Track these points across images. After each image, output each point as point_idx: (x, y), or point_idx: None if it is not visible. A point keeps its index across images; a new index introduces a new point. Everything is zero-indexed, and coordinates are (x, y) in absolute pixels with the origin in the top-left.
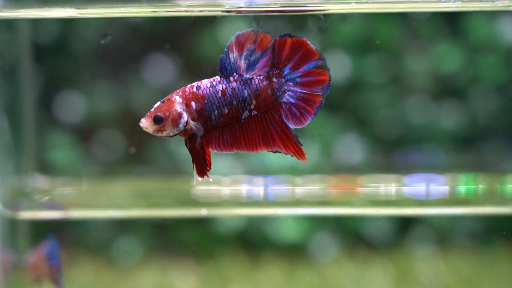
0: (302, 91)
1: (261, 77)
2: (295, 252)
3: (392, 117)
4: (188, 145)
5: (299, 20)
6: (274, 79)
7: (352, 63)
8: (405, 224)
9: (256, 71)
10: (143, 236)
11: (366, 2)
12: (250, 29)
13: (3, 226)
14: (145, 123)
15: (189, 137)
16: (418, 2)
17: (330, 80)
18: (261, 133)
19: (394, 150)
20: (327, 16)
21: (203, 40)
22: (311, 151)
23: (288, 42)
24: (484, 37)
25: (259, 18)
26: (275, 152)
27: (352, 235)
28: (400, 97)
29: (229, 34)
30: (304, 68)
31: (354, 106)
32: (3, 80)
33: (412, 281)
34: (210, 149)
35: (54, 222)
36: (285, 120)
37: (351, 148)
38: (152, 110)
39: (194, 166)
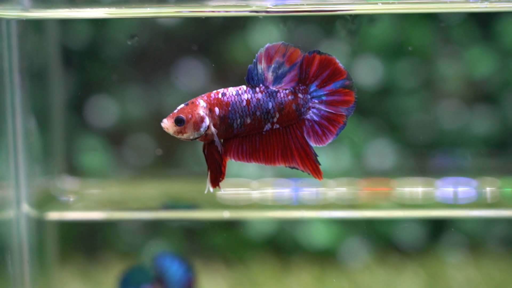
0: (327, 109)
1: (287, 91)
2: (325, 257)
3: (424, 122)
4: (205, 151)
5: (327, 23)
6: (300, 95)
7: (383, 68)
8: (436, 230)
9: (282, 84)
10: (173, 240)
11: (392, 3)
12: (281, 42)
13: (30, 227)
14: (167, 124)
15: (209, 142)
16: (445, 2)
17: (356, 101)
18: (280, 147)
19: (425, 155)
20: (354, 17)
21: (234, 45)
22: (342, 155)
23: (316, 59)
24: None
25: (287, 20)
26: (292, 168)
27: (383, 240)
28: (432, 102)
29: (260, 39)
30: (331, 86)
31: (386, 111)
32: (31, 81)
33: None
34: (228, 158)
35: (82, 224)
36: (306, 137)
37: (382, 152)
38: (175, 111)
39: (209, 174)
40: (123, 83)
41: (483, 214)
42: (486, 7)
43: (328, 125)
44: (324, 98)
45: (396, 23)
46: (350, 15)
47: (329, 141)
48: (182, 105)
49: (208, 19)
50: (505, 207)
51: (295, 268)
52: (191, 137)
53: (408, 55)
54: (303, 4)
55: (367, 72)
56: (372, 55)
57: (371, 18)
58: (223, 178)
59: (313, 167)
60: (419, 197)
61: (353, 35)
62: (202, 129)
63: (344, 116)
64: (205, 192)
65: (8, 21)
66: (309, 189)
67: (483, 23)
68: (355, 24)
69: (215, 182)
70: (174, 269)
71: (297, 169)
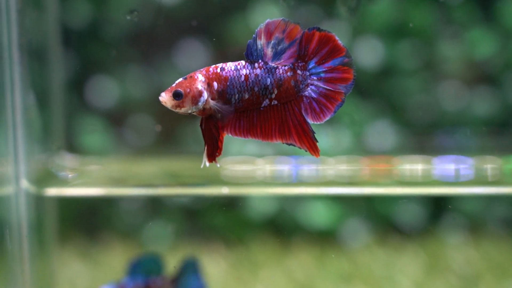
0: (325, 87)
1: (286, 67)
2: (325, 237)
3: (425, 102)
4: (203, 126)
5: (327, 2)
6: (299, 71)
7: (385, 49)
8: (436, 210)
9: (281, 60)
10: (173, 220)
11: None
12: (281, 18)
13: (29, 203)
14: (165, 97)
15: (207, 117)
16: None
17: (354, 79)
18: (278, 124)
19: (426, 135)
20: None
21: (234, 25)
22: (344, 135)
23: (316, 36)
24: None
25: None
26: (289, 144)
27: (383, 220)
28: (433, 82)
29: (261, 20)
30: (330, 63)
31: (387, 92)
32: (30, 58)
33: (443, 268)
34: (225, 133)
35: (80, 200)
36: (304, 114)
37: (383, 133)
38: (173, 85)
39: (206, 148)
40: (123, 62)
41: (483, 191)
42: None
43: (326, 102)
44: (322, 75)
45: (397, 3)
46: None
47: (327, 118)
48: (180, 79)
49: None
50: (506, 185)
51: (295, 248)
52: (189, 111)
53: (409, 36)
54: None
55: (368, 53)
56: (373, 35)
57: None
58: (220, 153)
59: (310, 144)
60: (419, 174)
61: (354, 13)
62: (200, 103)
63: (342, 94)
64: (201, 166)
65: None
66: (310, 167)
67: (484, 4)
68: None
69: (212, 157)
70: (192, 279)
71: (294, 145)
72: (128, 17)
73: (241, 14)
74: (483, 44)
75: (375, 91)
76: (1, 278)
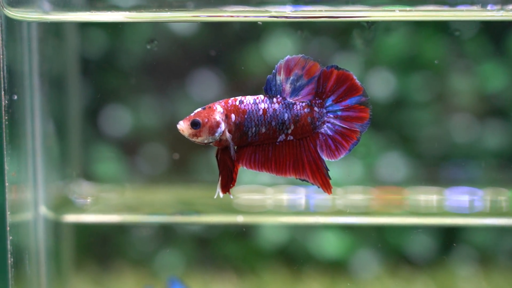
0: (341, 125)
1: (304, 104)
2: (336, 267)
3: (436, 135)
4: (218, 157)
5: (343, 34)
6: (316, 108)
7: (397, 81)
8: (447, 242)
9: (299, 97)
10: (185, 249)
11: (410, 10)
12: (301, 55)
13: (47, 229)
14: (183, 126)
15: (223, 148)
16: (462, 10)
17: (370, 118)
18: (292, 159)
19: (437, 167)
20: (371, 24)
21: (249, 57)
22: (356, 166)
23: (334, 74)
24: None
25: (303, 27)
26: (302, 180)
27: (394, 251)
28: (445, 115)
29: (275, 51)
30: (347, 102)
31: (399, 124)
32: (50, 86)
33: None
34: (240, 165)
35: (95, 226)
36: (319, 151)
37: (395, 165)
38: (192, 114)
39: (220, 179)
40: (138, 92)
41: (494, 222)
42: (502, 16)
43: (341, 140)
44: (339, 113)
45: (409, 36)
46: (367, 22)
47: (342, 156)
48: (199, 109)
49: (223, 29)
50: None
51: (306, 278)
52: (205, 141)
53: (421, 68)
54: (321, 10)
55: (380, 85)
56: (386, 67)
57: (387, 28)
58: (233, 185)
59: (323, 181)
60: (430, 205)
61: (369, 45)
62: (217, 134)
63: (358, 132)
64: (215, 197)
65: (29, 23)
66: (322, 196)
67: (496, 38)
68: (371, 31)
69: (226, 188)
70: None
71: (307, 181)
72: (148, 47)
73: (255, 45)
74: (494, 78)
75: (387, 122)
76: None
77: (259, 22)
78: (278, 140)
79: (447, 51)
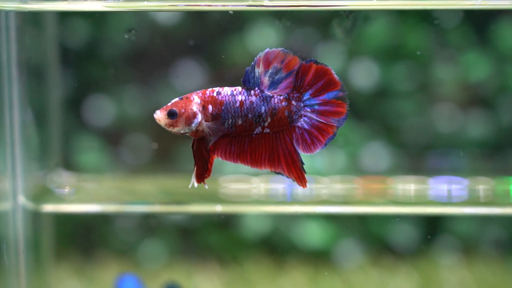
0: (318, 119)
1: (281, 97)
2: (319, 257)
3: (420, 125)
4: (194, 147)
5: (323, 23)
6: (293, 102)
7: (379, 71)
8: (429, 231)
9: (277, 90)
10: (168, 239)
11: None
12: (281, 49)
13: (26, 219)
14: (159, 115)
15: (199, 139)
16: None
17: (347, 113)
18: (268, 152)
19: (420, 156)
20: (349, 12)
21: (231, 46)
22: (338, 155)
23: (312, 68)
24: None
25: (282, 16)
26: (277, 173)
27: (376, 241)
28: (428, 105)
29: (257, 40)
30: (324, 96)
31: (381, 113)
32: (29, 75)
33: None
34: (215, 156)
35: (76, 217)
36: (295, 145)
37: (378, 155)
38: (169, 104)
39: (195, 169)
40: (120, 81)
41: (477, 211)
42: (481, 5)
43: (317, 134)
44: (316, 107)
45: (392, 26)
46: (345, 11)
47: (317, 150)
48: (176, 99)
49: (205, 18)
50: (498, 205)
51: (289, 268)
52: (182, 131)
53: (403, 58)
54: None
55: (363, 75)
56: (368, 57)
57: (366, 17)
58: (209, 175)
59: (298, 174)
60: (413, 194)
61: (349, 34)
62: (193, 125)
63: (334, 127)
64: (189, 186)
65: (7, 13)
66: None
67: (479, 28)
68: (350, 20)
69: (201, 178)
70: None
71: (282, 174)
72: (126, 36)
73: (238, 34)
74: (477, 67)
75: (370, 112)
76: None
77: (230, 12)
78: (254, 132)
79: (430, 40)
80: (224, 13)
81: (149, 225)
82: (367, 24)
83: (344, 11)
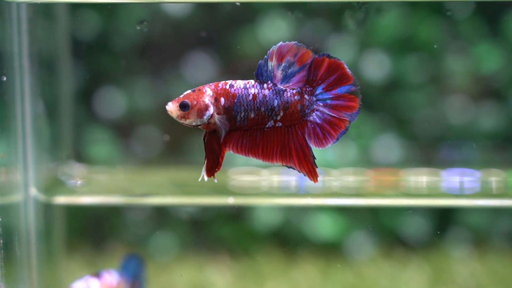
0: (330, 113)
1: (294, 91)
2: (330, 249)
3: (432, 117)
4: (206, 140)
5: (335, 15)
6: (306, 96)
7: (391, 62)
8: (441, 223)
9: (290, 84)
10: (179, 231)
11: None
12: (294, 42)
13: (37, 211)
14: (171, 107)
15: (210, 131)
16: None
17: (359, 108)
18: (280, 146)
19: (432, 148)
20: (361, 4)
21: (243, 38)
22: (350, 148)
23: (325, 62)
24: None
25: (294, 8)
26: (289, 167)
27: (388, 233)
28: (439, 97)
29: (269, 32)
30: (337, 91)
31: (393, 105)
32: (40, 67)
33: (447, 281)
34: (226, 149)
35: (88, 208)
36: (307, 139)
37: (390, 147)
38: (181, 96)
39: (205, 162)
40: (131, 73)
41: (489, 203)
42: None
43: (329, 129)
44: (329, 101)
45: (404, 17)
46: (358, 2)
47: (329, 144)
48: (189, 91)
49: (216, 10)
50: (510, 197)
51: (301, 260)
52: (194, 124)
53: (415, 50)
54: None
55: (375, 66)
56: (380, 49)
57: (378, 8)
58: (219, 169)
59: (309, 169)
60: (426, 187)
61: (361, 26)
62: (205, 117)
63: (346, 121)
64: (199, 179)
65: (18, 4)
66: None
67: (491, 19)
68: (362, 11)
69: (211, 172)
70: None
71: (293, 168)
72: (138, 27)
73: (250, 26)
74: (489, 59)
75: (382, 104)
76: (10, 284)
77: (237, 3)
78: (267, 126)
79: (442, 32)
80: (235, 4)
81: (160, 217)
82: (379, 16)
83: (357, 2)
